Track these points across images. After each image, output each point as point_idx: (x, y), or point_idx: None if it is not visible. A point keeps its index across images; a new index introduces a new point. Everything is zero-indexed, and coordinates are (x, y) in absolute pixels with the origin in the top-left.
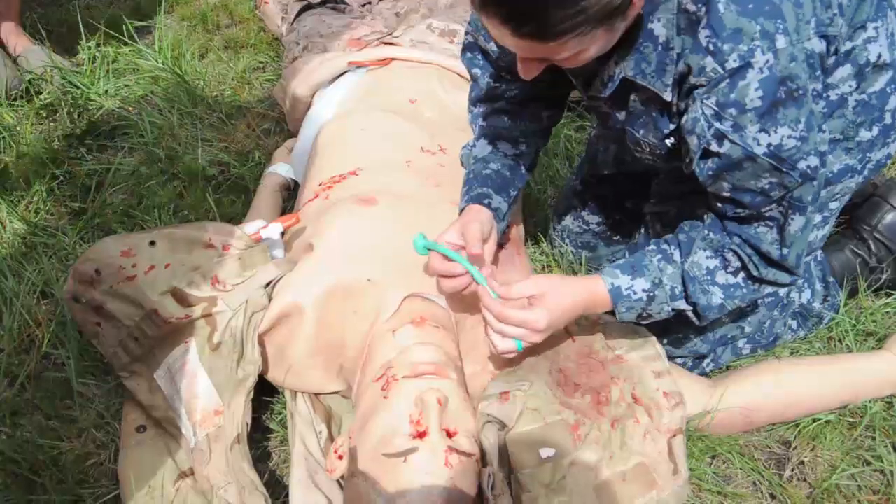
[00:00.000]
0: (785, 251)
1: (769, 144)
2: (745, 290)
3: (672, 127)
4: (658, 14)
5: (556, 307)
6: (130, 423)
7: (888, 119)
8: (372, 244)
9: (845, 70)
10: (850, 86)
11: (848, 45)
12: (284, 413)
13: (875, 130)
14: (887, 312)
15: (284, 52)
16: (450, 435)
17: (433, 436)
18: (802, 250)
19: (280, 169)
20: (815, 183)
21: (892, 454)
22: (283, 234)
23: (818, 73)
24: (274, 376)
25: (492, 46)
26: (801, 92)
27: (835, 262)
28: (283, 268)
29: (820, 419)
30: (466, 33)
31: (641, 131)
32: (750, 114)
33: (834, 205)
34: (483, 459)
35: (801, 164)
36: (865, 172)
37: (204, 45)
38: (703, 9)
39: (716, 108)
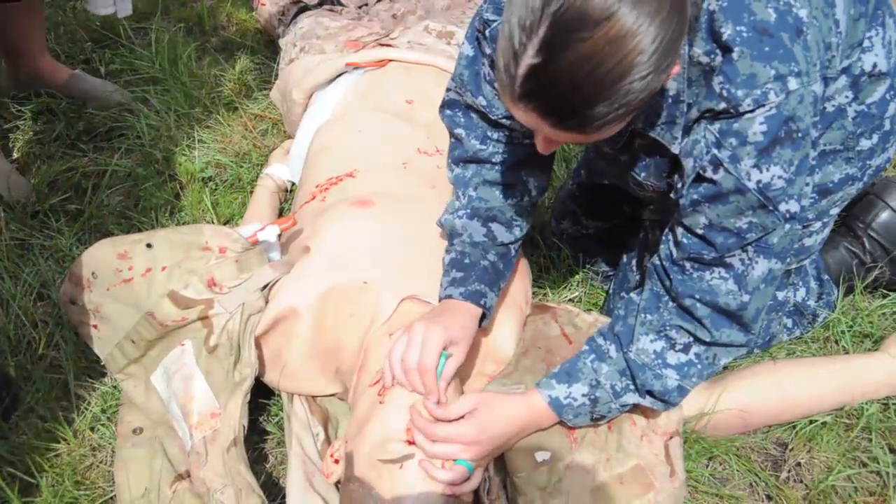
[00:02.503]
0: (745, 298)
1: (759, 181)
2: (699, 367)
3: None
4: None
5: (487, 421)
6: (127, 425)
7: (887, 125)
8: (368, 246)
9: (840, 82)
10: (847, 96)
11: (845, 63)
12: (281, 415)
13: (875, 138)
14: (883, 314)
15: (281, 54)
16: None
17: None
18: (763, 306)
19: (277, 171)
20: (787, 227)
21: (889, 456)
22: (279, 236)
23: (818, 115)
24: (270, 379)
25: (480, 101)
26: (800, 134)
27: (829, 260)
28: (280, 270)
29: (816, 421)
30: (448, 90)
31: (643, 174)
32: (749, 147)
33: (834, 210)
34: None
35: (783, 207)
36: (865, 178)
37: (200, 47)
38: (718, 58)
39: (717, 136)
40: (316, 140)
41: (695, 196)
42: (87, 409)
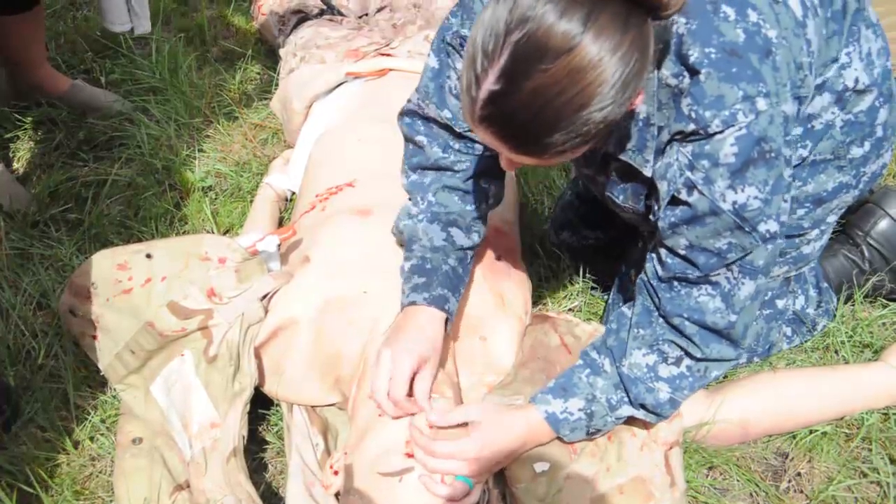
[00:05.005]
0: (733, 318)
1: (734, 202)
2: (691, 379)
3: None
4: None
5: (488, 439)
6: (126, 435)
7: (879, 132)
8: (368, 256)
9: (823, 99)
10: (833, 112)
11: (819, 80)
12: (281, 425)
13: (867, 146)
14: (883, 324)
15: (281, 64)
16: None
17: None
18: (751, 321)
19: (277, 180)
20: (769, 247)
21: (889, 466)
22: (279, 246)
23: (792, 134)
24: (270, 388)
25: (445, 114)
26: (773, 154)
27: (828, 268)
28: (280, 280)
29: (816, 431)
30: (409, 101)
31: (621, 197)
32: (722, 169)
33: (831, 218)
34: None
35: (762, 227)
36: (861, 186)
37: (201, 57)
38: (685, 80)
39: (690, 158)
40: (316, 150)
41: (672, 219)
42: (86, 419)
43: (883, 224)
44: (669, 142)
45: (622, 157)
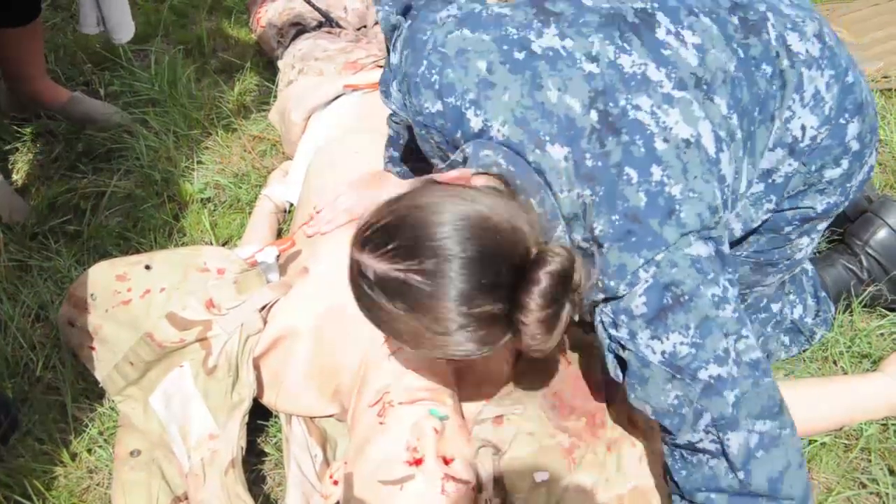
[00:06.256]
0: (742, 475)
1: (663, 352)
2: None
3: None
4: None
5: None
6: (125, 447)
7: (855, 146)
8: None
9: (777, 154)
10: (790, 164)
11: (761, 162)
12: (279, 436)
13: (844, 163)
14: (882, 334)
15: (279, 76)
16: (446, 462)
17: (429, 463)
18: (778, 469)
19: (275, 192)
20: (725, 395)
21: (888, 477)
22: (278, 257)
23: (712, 273)
24: (269, 400)
25: (389, 105)
26: (686, 297)
27: (826, 278)
28: (278, 291)
29: (815, 441)
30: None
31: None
32: (639, 320)
33: (822, 226)
34: (478, 485)
35: (702, 374)
36: (851, 195)
37: (200, 69)
38: (593, 246)
39: (612, 316)
40: (314, 161)
41: (628, 384)
42: (84, 431)
43: (882, 234)
44: (592, 307)
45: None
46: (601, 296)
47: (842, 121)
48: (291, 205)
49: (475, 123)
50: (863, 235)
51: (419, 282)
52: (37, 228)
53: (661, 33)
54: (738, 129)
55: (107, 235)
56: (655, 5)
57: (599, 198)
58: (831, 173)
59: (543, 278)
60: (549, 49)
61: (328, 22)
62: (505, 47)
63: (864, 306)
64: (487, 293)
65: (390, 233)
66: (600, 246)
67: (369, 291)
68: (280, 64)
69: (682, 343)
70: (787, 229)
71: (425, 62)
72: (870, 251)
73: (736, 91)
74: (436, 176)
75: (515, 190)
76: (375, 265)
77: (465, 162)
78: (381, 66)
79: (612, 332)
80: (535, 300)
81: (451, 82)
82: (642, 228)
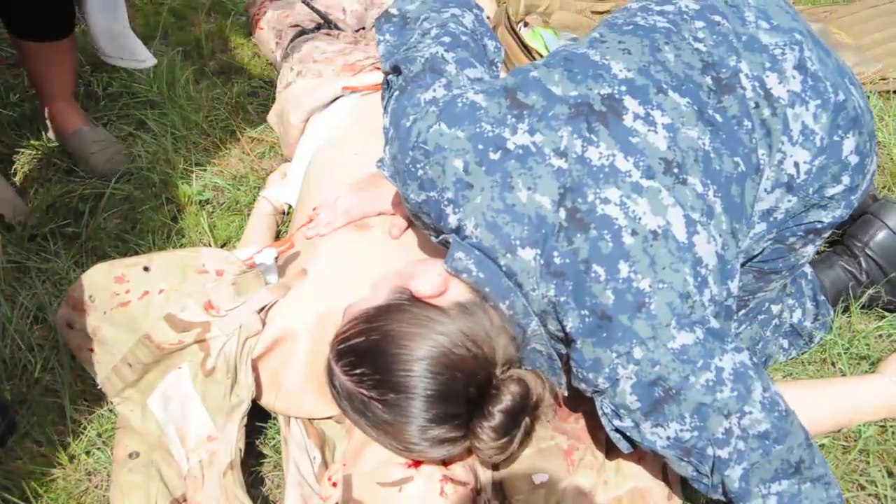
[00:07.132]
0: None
1: (668, 437)
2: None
3: None
4: (532, 343)
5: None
6: (123, 449)
7: (854, 160)
8: (366, 269)
9: (774, 195)
10: (789, 200)
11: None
12: (278, 438)
13: (846, 179)
14: (880, 336)
15: (278, 78)
16: (445, 464)
17: (428, 465)
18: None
19: (274, 193)
20: (734, 468)
21: (887, 478)
22: (276, 259)
23: (702, 360)
24: (267, 402)
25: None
26: (675, 391)
27: (825, 280)
28: (277, 293)
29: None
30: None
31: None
32: (637, 413)
33: (827, 234)
34: (477, 487)
35: (710, 451)
36: (855, 204)
37: (198, 71)
38: (568, 338)
39: (612, 408)
40: (313, 163)
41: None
42: (83, 433)
43: (881, 235)
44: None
45: (543, 374)
46: (582, 385)
47: (836, 138)
48: (290, 206)
49: (452, 220)
50: (862, 237)
51: (381, 409)
52: (35, 230)
53: (628, 120)
54: (718, 203)
55: (105, 237)
56: (623, 89)
57: (568, 293)
58: (832, 189)
59: (497, 415)
60: (520, 147)
61: (327, 24)
62: (480, 146)
63: (863, 307)
64: (444, 423)
65: (360, 357)
66: (573, 341)
67: (337, 397)
68: (279, 66)
69: (682, 430)
70: (792, 240)
71: (410, 155)
72: (869, 253)
73: (711, 166)
74: (414, 289)
75: (486, 298)
76: (344, 381)
77: (447, 246)
78: (379, 69)
79: (617, 423)
80: (487, 433)
81: (431, 179)
82: (612, 324)
